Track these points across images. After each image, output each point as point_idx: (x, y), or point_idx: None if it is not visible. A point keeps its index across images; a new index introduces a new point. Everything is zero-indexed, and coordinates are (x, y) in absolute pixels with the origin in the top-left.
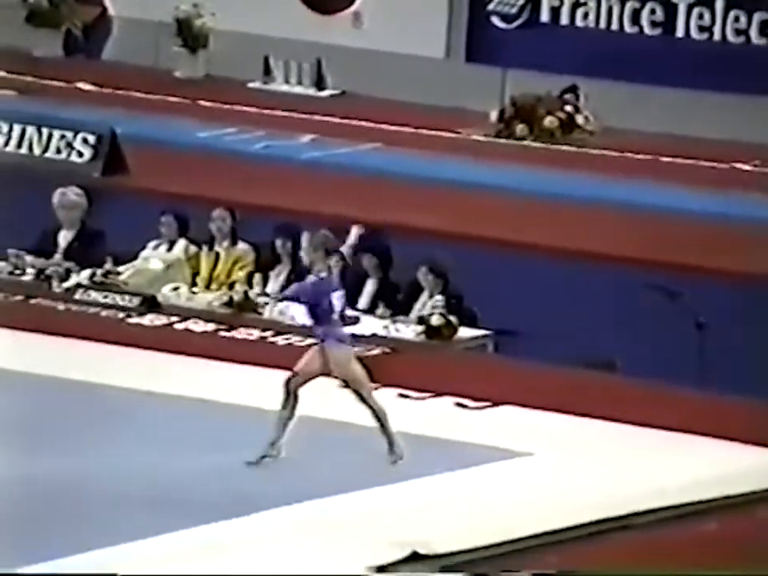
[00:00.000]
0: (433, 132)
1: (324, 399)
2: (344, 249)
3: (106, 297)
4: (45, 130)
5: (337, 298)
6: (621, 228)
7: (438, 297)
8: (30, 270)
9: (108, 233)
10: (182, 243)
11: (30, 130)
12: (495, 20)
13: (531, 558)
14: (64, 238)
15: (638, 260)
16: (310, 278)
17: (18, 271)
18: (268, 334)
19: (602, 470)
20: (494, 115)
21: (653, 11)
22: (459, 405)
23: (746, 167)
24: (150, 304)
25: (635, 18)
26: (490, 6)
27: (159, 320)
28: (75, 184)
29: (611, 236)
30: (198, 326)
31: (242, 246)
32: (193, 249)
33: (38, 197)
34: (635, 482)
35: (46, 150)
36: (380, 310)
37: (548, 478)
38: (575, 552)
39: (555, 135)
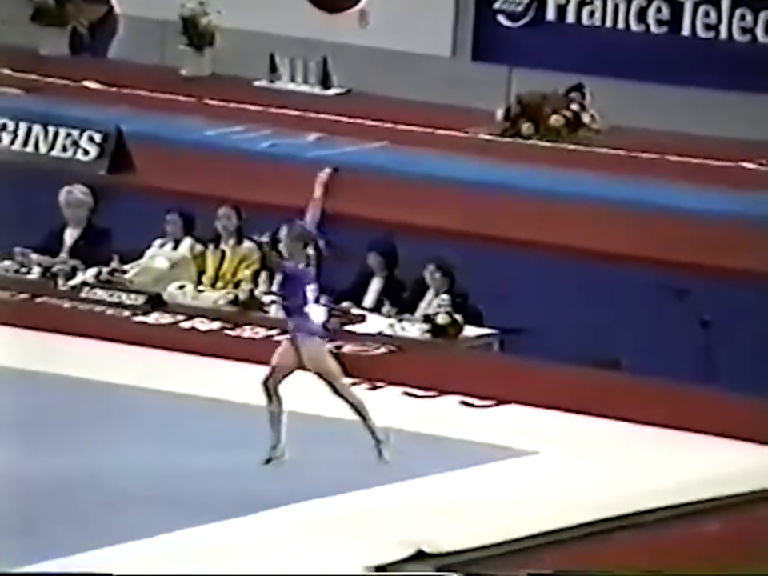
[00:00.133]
0: (439, 130)
1: (326, 397)
2: (308, 226)
3: (111, 295)
4: (51, 128)
5: (311, 291)
6: (627, 227)
7: (444, 295)
8: (35, 269)
9: (114, 231)
10: (187, 242)
11: (36, 128)
12: (501, 18)
13: (535, 557)
14: (70, 236)
15: (643, 259)
16: (288, 267)
17: (23, 269)
18: (274, 332)
19: (607, 468)
20: (499, 114)
21: (659, 9)
22: (464, 403)
23: (753, 166)
24: (156, 302)
25: (641, 16)
26: (496, 5)
27: (165, 318)
28: (81, 182)
29: (617, 235)
30: (204, 324)
31: (247, 244)
32: (199, 247)
33: (44, 195)
34: (640, 480)
35: (52, 148)
36: (386, 309)
37: (553, 476)
38: (580, 550)
39: (561, 134)
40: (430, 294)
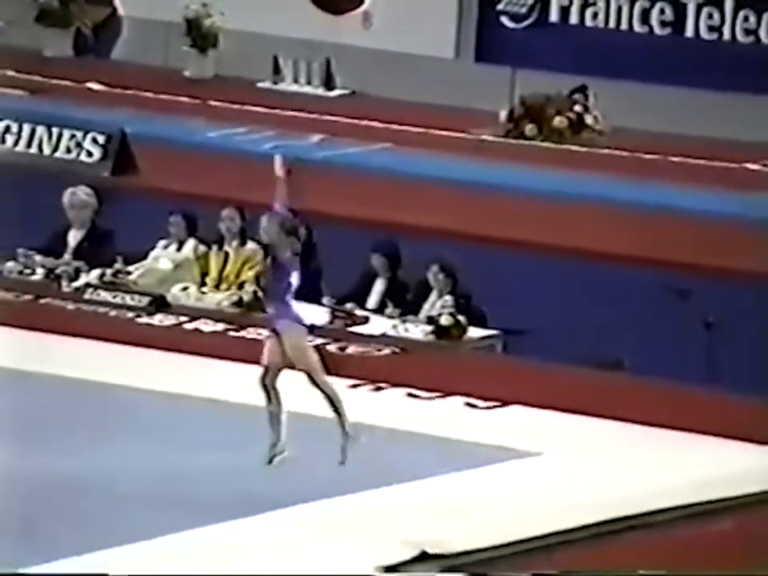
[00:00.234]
0: (442, 132)
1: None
2: (288, 214)
3: (115, 297)
4: (55, 130)
5: (294, 279)
6: (630, 228)
7: (447, 297)
8: (39, 270)
9: (117, 232)
10: (191, 243)
11: (40, 130)
12: (504, 20)
13: (540, 558)
14: (74, 237)
15: (646, 260)
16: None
17: (27, 271)
18: None
19: (611, 469)
20: (503, 115)
21: (662, 11)
22: (468, 405)
23: (756, 167)
24: (160, 304)
25: (644, 17)
26: (500, 6)
27: (168, 320)
28: (85, 183)
29: (621, 236)
30: (208, 325)
31: (251, 245)
32: (202, 248)
33: (48, 196)
34: (644, 481)
35: (55, 149)
36: (389, 310)
37: (557, 477)
38: (584, 552)
39: (564, 135)
40: (433, 296)
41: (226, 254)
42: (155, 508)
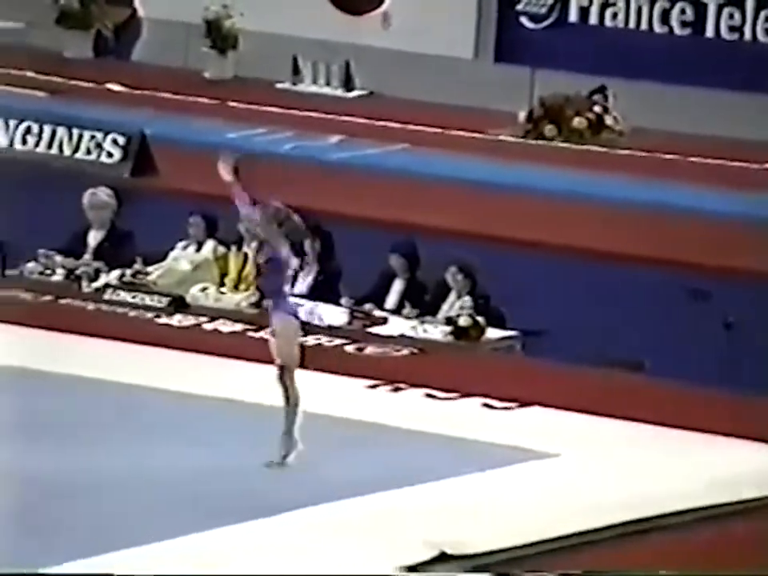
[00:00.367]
0: (461, 132)
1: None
2: (281, 206)
3: (134, 297)
4: (75, 131)
5: (291, 272)
6: (650, 229)
7: (466, 297)
8: (59, 271)
9: (137, 233)
10: (210, 244)
11: (61, 131)
12: (524, 20)
13: (558, 559)
14: (94, 238)
15: (666, 261)
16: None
17: (47, 271)
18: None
19: (629, 471)
20: (522, 116)
21: (683, 11)
22: (486, 405)
23: None
24: (179, 304)
25: (665, 17)
26: (519, 6)
27: (187, 320)
28: (105, 184)
29: (640, 237)
30: (226, 326)
31: None
32: (221, 249)
33: (68, 197)
34: (663, 482)
35: (76, 150)
36: (407, 311)
37: (575, 478)
38: (602, 553)
39: (584, 136)
40: (452, 296)
41: (246, 255)
42: (174, 509)
